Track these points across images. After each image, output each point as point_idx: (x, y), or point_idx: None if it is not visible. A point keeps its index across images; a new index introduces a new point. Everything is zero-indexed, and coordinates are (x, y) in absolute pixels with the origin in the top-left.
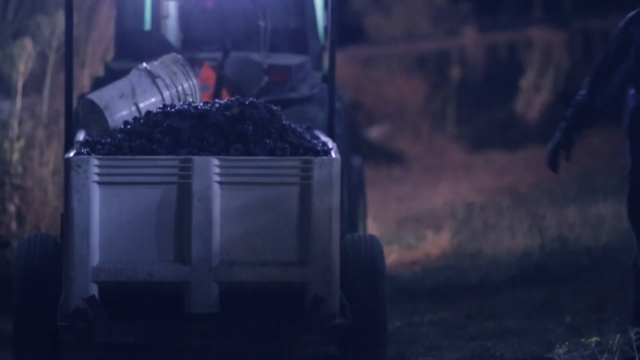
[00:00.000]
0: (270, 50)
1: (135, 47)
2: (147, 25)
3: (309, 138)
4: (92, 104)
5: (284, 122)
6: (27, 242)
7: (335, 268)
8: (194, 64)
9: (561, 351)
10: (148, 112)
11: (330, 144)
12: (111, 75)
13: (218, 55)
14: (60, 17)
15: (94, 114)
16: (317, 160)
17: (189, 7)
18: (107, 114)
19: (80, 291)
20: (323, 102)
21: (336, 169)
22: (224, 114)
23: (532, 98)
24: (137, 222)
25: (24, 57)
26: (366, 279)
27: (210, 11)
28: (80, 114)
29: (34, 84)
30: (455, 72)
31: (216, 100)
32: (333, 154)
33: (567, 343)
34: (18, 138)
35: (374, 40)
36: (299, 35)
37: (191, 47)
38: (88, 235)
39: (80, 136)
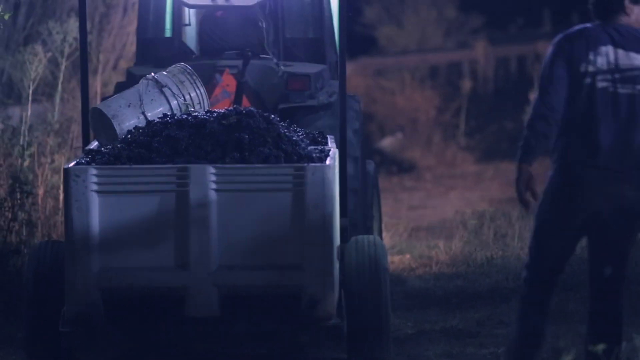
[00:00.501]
0: (290, 59)
1: (156, 53)
2: (168, 33)
3: (304, 146)
4: (101, 113)
5: (280, 130)
6: (38, 248)
7: (331, 271)
8: (214, 70)
9: (569, 358)
10: (149, 122)
11: (332, 151)
12: (133, 81)
13: (238, 62)
14: (71, 24)
15: (103, 123)
16: (310, 167)
17: (209, 15)
18: (115, 123)
19: (81, 297)
20: (338, 108)
21: (330, 175)
22: (221, 123)
23: None
24: (136, 230)
25: (35, 63)
26: (369, 280)
27: (230, 19)
28: (90, 123)
29: (45, 90)
30: (466, 84)
31: (214, 110)
32: (328, 161)
33: (574, 350)
34: (28, 145)
35: (387, 51)
36: (317, 45)
37: (212, 54)
38: (88, 242)
39: (93, 145)
